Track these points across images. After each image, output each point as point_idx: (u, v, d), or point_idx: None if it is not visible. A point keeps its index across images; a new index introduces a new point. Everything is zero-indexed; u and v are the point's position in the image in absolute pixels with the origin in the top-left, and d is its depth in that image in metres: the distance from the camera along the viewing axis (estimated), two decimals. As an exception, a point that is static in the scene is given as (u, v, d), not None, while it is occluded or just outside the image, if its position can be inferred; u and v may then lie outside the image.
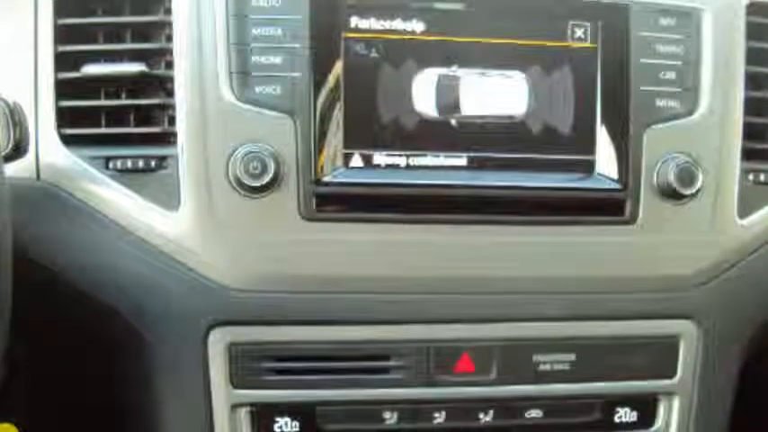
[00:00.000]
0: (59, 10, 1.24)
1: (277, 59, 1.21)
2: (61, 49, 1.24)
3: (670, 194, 1.27)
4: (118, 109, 1.25)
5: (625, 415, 1.32)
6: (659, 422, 1.34)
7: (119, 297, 1.23)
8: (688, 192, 1.27)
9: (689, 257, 1.31)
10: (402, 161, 1.23)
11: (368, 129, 1.22)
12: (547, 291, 1.28)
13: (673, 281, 1.31)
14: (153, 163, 1.22)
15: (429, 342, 1.26)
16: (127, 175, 1.22)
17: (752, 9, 1.35)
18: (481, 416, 1.29)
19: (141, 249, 1.22)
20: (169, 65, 1.24)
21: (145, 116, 1.25)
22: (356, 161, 1.22)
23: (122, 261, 1.22)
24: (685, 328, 1.32)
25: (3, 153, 1.15)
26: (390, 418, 1.27)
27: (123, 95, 1.25)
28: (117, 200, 1.22)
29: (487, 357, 1.28)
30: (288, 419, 1.25)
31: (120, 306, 1.24)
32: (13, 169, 1.18)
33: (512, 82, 1.25)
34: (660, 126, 1.28)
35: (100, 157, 1.23)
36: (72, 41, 1.24)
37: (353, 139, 1.22)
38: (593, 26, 1.26)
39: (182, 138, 1.21)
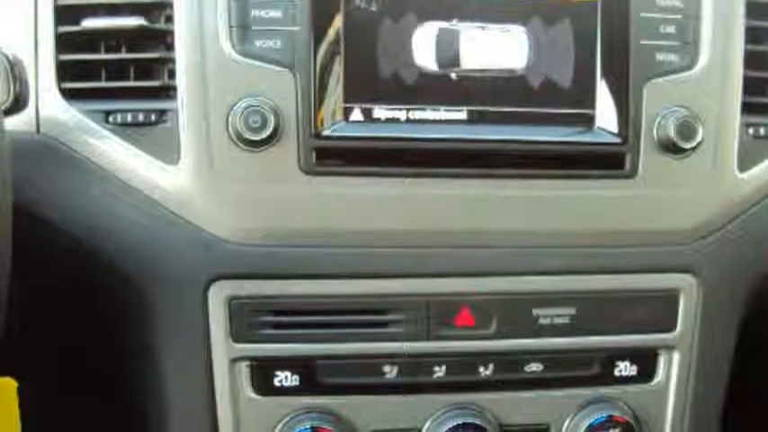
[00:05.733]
0: None
1: (277, 13, 1.20)
2: (61, 2, 1.24)
3: (670, 148, 1.27)
4: (118, 63, 1.25)
5: (625, 369, 1.33)
6: (659, 376, 1.34)
7: (118, 251, 1.23)
8: (688, 145, 1.26)
9: (689, 211, 1.31)
10: (402, 115, 1.23)
11: (368, 82, 1.22)
12: (547, 244, 1.28)
13: (672, 234, 1.31)
14: (153, 117, 1.22)
15: (429, 296, 1.27)
16: (127, 129, 1.22)
17: (752, -38, 1.35)
18: (481, 369, 1.29)
19: (141, 203, 1.22)
20: (169, 19, 1.23)
21: (145, 70, 1.25)
22: (356, 115, 1.22)
23: (122, 214, 1.23)
24: (685, 282, 1.32)
25: (3, 107, 1.16)
26: (390, 371, 1.27)
27: (123, 49, 1.25)
28: (117, 153, 1.22)
29: (487, 311, 1.28)
30: (288, 373, 1.26)
31: (120, 260, 1.24)
32: (13, 123, 1.19)
33: (512, 35, 1.24)
34: (660, 80, 1.27)
35: (100, 111, 1.23)
36: None
37: (353, 92, 1.22)
38: None
39: (181, 92, 1.21)
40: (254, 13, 1.20)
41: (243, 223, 1.22)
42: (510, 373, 1.30)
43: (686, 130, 1.26)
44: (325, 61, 1.21)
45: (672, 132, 1.26)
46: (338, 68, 1.21)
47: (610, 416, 1.31)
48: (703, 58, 1.29)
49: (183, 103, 1.20)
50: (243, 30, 1.20)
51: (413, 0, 1.22)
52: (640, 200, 1.29)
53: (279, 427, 1.26)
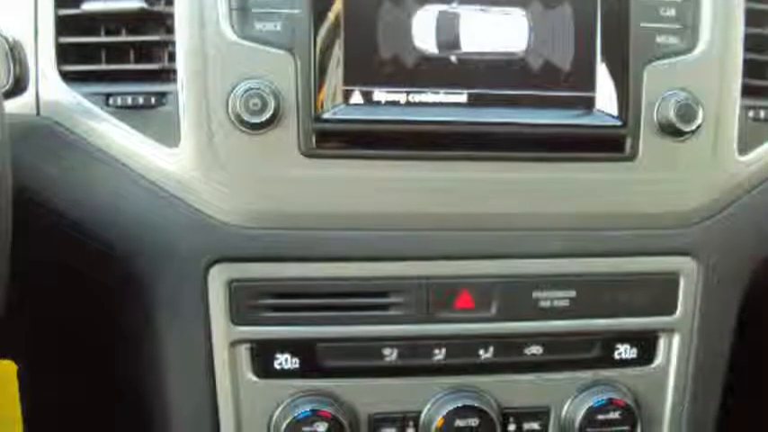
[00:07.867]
0: None
1: None
2: None
3: (670, 131, 1.27)
4: (118, 46, 1.25)
5: (625, 351, 1.33)
6: (659, 359, 1.34)
7: (118, 234, 1.23)
8: (688, 128, 1.26)
9: (689, 194, 1.31)
10: (402, 98, 1.23)
11: (368, 65, 1.22)
12: (546, 227, 1.28)
13: (672, 217, 1.31)
14: (153, 100, 1.22)
15: (428, 278, 1.27)
16: (127, 112, 1.22)
17: (753, -56, 1.35)
18: (481, 352, 1.29)
19: (141, 186, 1.22)
20: (169, 1, 1.23)
21: (145, 53, 1.25)
22: (356, 98, 1.22)
23: (122, 198, 1.23)
24: (685, 265, 1.32)
25: (3, 89, 1.16)
26: (390, 354, 1.28)
27: (123, 32, 1.25)
28: (117, 136, 1.22)
29: (487, 294, 1.28)
30: (288, 356, 1.26)
31: (120, 243, 1.24)
32: (14, 106, 1.19)
33: (512, 18, 1.24)
34: (660, 63, 1.27)
35: (100, 94, 1.23)
36: None
37: (353, 75, 1.22)
38: None
39: (182, 74, 1.21)
40: None
41: (243, 206, 1.22)
42: (510, 356, 1.30)
43: (686, 112, 1.26)
44: (325, 44, 1.21)
45: (672, 115, 1.26)
46: (338, 51, 1.21)
47: (610, 399, 1.31)
48: (703, 41, 1.29)
49: (183, 86, 1.20)
50: (243, 12, 1.20)
51: None
52: (640, 183, 1.29)
53: (279, 409, 1.26)
